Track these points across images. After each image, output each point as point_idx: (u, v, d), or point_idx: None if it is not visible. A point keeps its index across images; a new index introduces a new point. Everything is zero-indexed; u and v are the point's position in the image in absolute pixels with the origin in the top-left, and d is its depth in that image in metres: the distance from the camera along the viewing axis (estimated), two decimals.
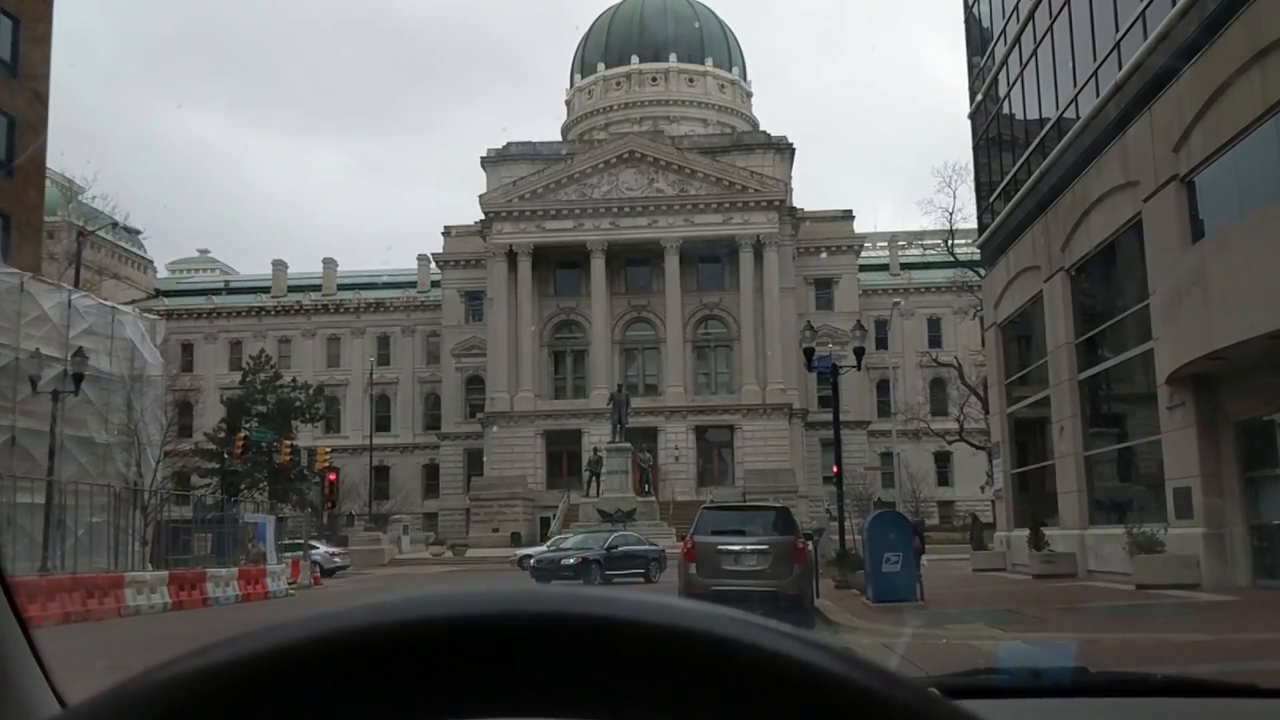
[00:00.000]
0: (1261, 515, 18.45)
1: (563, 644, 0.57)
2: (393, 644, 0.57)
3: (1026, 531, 26.48)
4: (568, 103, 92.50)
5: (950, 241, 52.62)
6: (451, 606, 0.58)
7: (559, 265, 71.28)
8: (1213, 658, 9.86)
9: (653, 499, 54.60)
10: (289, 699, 0.57)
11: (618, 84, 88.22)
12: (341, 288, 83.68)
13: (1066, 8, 24.80)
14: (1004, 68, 30.26)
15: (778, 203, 69.27)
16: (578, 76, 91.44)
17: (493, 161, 74.12)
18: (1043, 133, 27.13)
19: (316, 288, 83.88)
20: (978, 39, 34.42)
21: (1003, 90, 30.78)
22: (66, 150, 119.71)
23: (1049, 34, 26.17)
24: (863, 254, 78.69)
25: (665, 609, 0.58)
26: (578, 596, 0.59)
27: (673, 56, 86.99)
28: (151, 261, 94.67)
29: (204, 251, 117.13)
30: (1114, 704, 1.98)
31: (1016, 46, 28.85)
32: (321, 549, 42.58)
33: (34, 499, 26.80)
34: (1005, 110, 31.19)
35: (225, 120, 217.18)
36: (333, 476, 45.76)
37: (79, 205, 55.83)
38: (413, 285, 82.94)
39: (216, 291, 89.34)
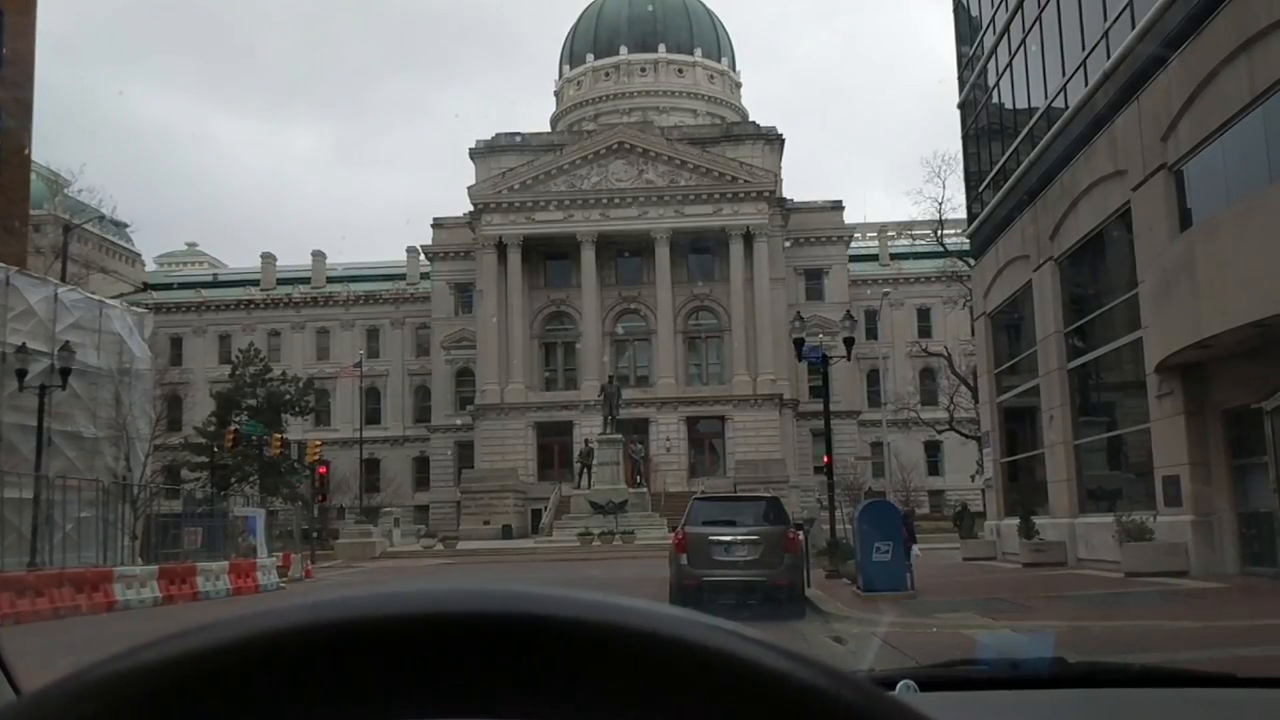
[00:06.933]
0: (1249, 503, 18.54)
1: (503, 643, 0.57)
2: (333, 642, 0.57)
3: (1016, 520, 26.57)
4: (556, 93, 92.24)
5: (940, 231, 52.66)
6: (392, 606, 0.58)
7: (549, 257, 71.16)
8: (1196, 645, 9.91)
9: (644, 490, 54.73)
10: (232, 694, 0.57)
11: (606, 75, 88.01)
12: (330, 280, 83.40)
13: None
14: (993, 57, 30.26)
15: (767, 193, 69.23)
16: (566, 67, 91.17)
17: (481, 153, 73.90)
18: (1031, 122, 27.14)
19: (305, 280, 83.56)
20: (966, 28, 34.41)
21: (992, 80, 30.79)
22: (50, 143, 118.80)
23: (1037, 23, 26.18)
24: (852, 244, 78.80)
25: (607, 607, 0.58)
26: (519, 595, 0.58)
27: (662, 47, 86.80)
28: (139, 255, 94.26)
29: (192, 245, 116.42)
30: (1091, 694, 1.98)
31: (1005, 36, 28.85)
32: None
33: (22, 494, 26.71)
34: (994, 100, 31.20)
35: (218, 116, 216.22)
36: (323, 470, 45.70)
37: (65, 199, 55.53)
38: (402, 277, 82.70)
39: (205, 285, 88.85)
